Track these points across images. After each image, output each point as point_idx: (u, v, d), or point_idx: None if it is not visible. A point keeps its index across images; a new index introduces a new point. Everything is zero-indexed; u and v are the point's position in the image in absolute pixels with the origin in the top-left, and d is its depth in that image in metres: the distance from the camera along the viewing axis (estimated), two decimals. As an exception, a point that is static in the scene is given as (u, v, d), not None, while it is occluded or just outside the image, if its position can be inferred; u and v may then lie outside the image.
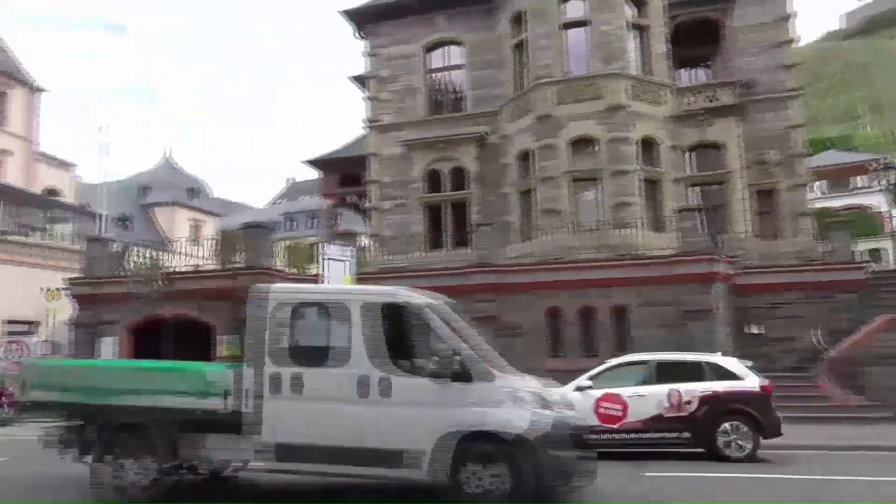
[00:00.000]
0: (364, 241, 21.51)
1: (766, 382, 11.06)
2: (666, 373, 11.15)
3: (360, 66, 24.38)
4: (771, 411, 10.81)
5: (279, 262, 18.69)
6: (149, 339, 18.13)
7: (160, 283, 17.07)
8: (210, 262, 19.78)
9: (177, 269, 17.99)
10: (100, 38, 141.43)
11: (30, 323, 25.89)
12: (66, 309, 19.30)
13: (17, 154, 38.84)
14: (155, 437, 7.86)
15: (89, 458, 8.18)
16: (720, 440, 10.54)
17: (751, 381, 10.97)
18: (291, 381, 7.54)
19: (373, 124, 23.47)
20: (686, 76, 24.11)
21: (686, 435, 10.73)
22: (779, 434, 10.78)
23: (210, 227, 52.64)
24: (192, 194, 64.13)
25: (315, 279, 16.42)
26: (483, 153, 21.87)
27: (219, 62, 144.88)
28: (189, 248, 19.95)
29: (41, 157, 41.25)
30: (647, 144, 20.11)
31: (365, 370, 7.41)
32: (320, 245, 17.29)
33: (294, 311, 7.91)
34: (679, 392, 10.73)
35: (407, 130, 22.75)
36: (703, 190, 21.72)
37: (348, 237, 18.43)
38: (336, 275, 16.32)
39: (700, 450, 10.81)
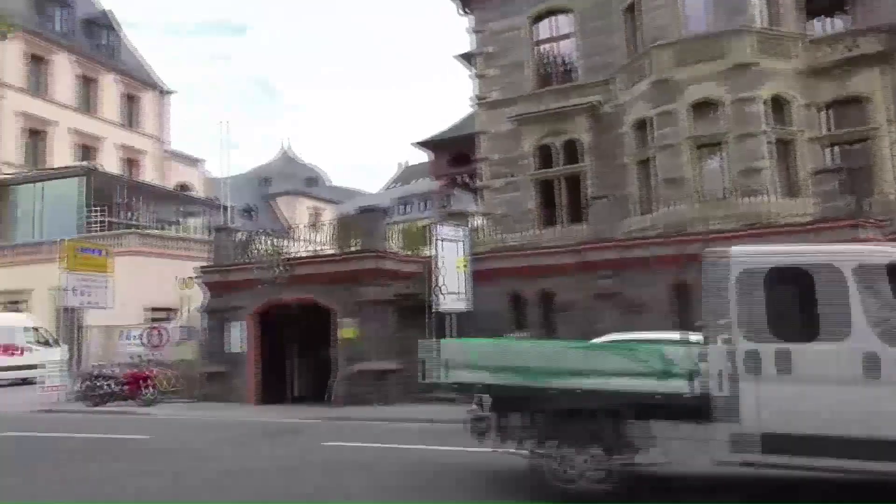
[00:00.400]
0: (477, 220, 21.28)
1: None
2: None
3: (466, 44, 24.06)
4: None
5: (394, 245, 18.83)
6: (272, 324, 18.85)
7: (282, 269, 17.58)
8: (328, 247, 20.22)
9: (297, 256, 18.47)
10: (222, 41, 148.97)
11: (169, 310, 27.50)
12: (199, 296, 20.33)
13: (151, 153, 41.55)
14: (602, 425, 7.00)
15: (509, 446, 7.47)
16: None
17: None
18: (776, 360, 6.45)
19: (481, 101, 23.12)
20: (819, 26, 22.06)
21: None
22: None
23: (328, 215, 54.24)
24: (310, 183, 66.51)
25: (428, 261, 16.38)
26: (596, 124, 21.03)
27: (327, 54, 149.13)
28: (308, 234, 20.44)
29: (172, 155, 43.94)
30: (778, 103, 18.58)
31: (871, 345, 6.23)
32: (433, 226, 17.23)
33: (767, 276, 6.70)
34: None
35: (516, 105, 22.24)
36: (844, 149, 19.81)
37: (461, 217, 18.26)
38: (449, 255, 16.19)
39: None
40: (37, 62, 35.40)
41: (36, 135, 35.11)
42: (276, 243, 18.60)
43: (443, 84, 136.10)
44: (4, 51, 32.38)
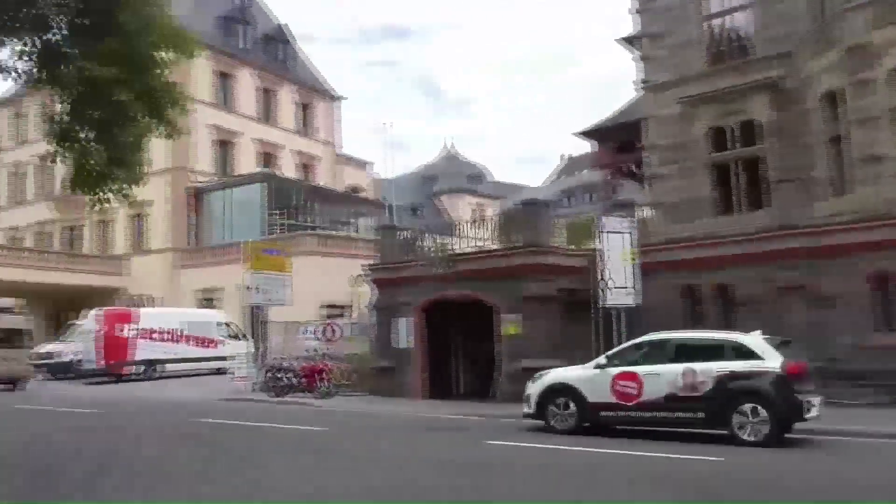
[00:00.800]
0: (644, 210, 20.24)
1: (791, 363, 10.28)
2: (684, 352, 11.01)
3: (629, 27, 22.95)
4: (790, 394, 10.06)
5: (559, 240, 18.37)
6: (438, 320, 19.08)
7: (446, 265, 17.73)
8: (491, 243, 20.17)
9: (460, 252, 18.55)
10: (387, 45, 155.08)
11: (342, 307, 28.89)
12: (368, 293, 21.09)
13: (324, 158, 43.95)
14: None
15: None
16: (735, 421, 10.18)
17: (772, 362, 10.28)
18: None
19: (646, 85, 21.91)
20: None
21: (700, 415, 10.53)
22: (800, 419, 10.16)
23: (491, 211, 54.57)
24: (472, 181, 67.34)
25: (593, 254, 15.77)
26: (777, 101, 19.13)
27: (488, 49, 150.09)
28: (471, 230, 20.49)
29: (343, 159, 46.23)
30: None
31: None
32: (597, 218, 16.58)
33: None
34: (694, 371, 10.54)
35: (685, 87, 20.79)
36: None
37: (627, 208, 17.46)
38: (615, 248, 15.48)
39: (722, 431, 10.34)
40: (224, 78, 38.63)
41: (224, 145, 38.34)
42: (440, 240, 18.80)
43: (606, 70, 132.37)
44: (196, 69, 35.58)
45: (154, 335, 24.67)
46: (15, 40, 11.45)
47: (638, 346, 11.80)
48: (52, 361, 26.14)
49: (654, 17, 21.95)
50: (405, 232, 20.54)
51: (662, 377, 10.85)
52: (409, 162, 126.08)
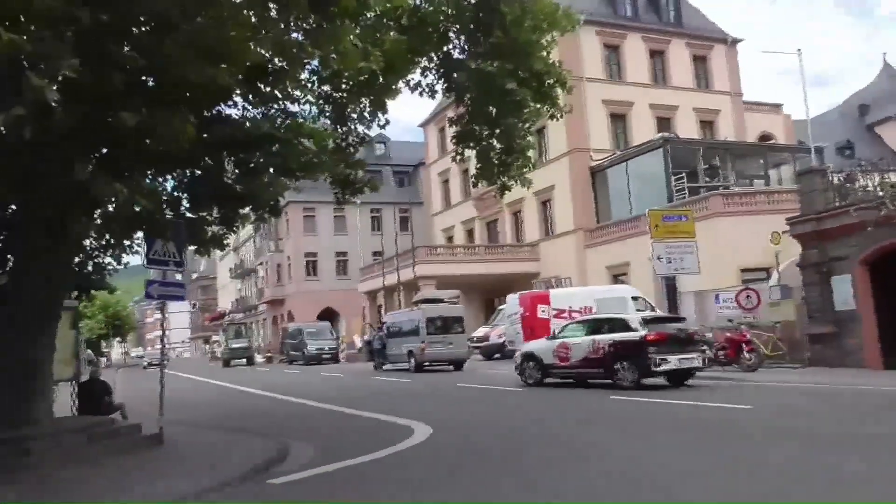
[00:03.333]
0: None
1: (649, 333, 13.94)
2: (598, 327, 15.36)
3: None
4: (645, 355, 13.70)
5: None
6: (889, 273, 15.45)
7: (892, 204, 14.17)
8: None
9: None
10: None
11: (763, 270, 25.85)
12: (792, 251, 18.21)
13: (725, 110, 40.24)
14: None
15: None
16: (617, 374, 14.29)
17: (638, 333, 14.04)
18: None
19: None
20: None
21: (601, 370, 14.76)
22: (650, 374, 13.91)
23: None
24: (922, 101, 55.05)
25: None
26: None
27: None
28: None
29: (748, 106, 41.76)
30: None
31: None
32: None
33: None
34: (597, 341, 14.78)
35: None
36: None
37: None
38: None
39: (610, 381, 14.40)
40: (611, 50, 38.05)
41: (618, 118, 37.72)
42: (883, 176, 15.17)
43: None
44: (585, 47, 35.73)
45: (569, 314, 25.15)
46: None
47: (575, 323, 16.76)
48: (485, 344, 28.72)
49: None
50: (836, 174, 17.09)
51: (581, 345, 15.12)
52: (833, 97, 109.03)
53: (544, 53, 12.47)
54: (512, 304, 25.86)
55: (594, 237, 34.55)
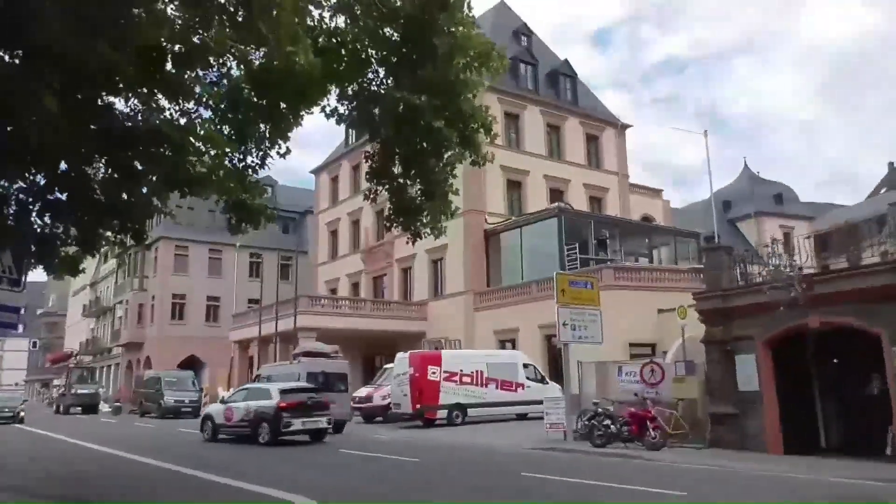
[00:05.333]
0: None
1: (282, 402, 17.80)
2: (251, 395, 19.19)
3: None
4: (278, 418, 17.62)
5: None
6: (789, 356, 15.47)
7: (799, 287, 14.18)
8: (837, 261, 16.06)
9: (818, 272, 14.84)
10: (664, 82, 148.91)
11: (648, 345, 26.02)
12: (692, 328, 18.03)
13: (613, 189, 41.56)
14: None
15: None
16: (259, 432, 17.98)
17: (274, 402, 17.94)
18: None
19: None
20: None
21: (249, 429, 18.35)
22: (281, 434, 17.75)
23: (802, 233, 47.32)
24: (776, 201, 60.03)
25: None
26: None
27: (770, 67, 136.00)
28: (808, 247, 16.47)
29: (633, 188, 43.42)
30: None
31: None
32: None
33: None
34: (248, 406, 18.59)
35: None
36: None
37: None
38: None
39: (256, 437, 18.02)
40: (511, 119, 38.46)
41: (514, 185, 37.85)
42: (788, 258, 15.27)
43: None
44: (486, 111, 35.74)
45: (459, 378, 23.91)
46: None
47: (237, 391, 21.67)
48: (368, 405, 26.66)
49: None
50: (738, 252, 17.17)
51: (239, 410, 18.82)
52: (696, 193, 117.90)
53: (471, 95, 11.59)
54: (401, 363, 24.21)
55: (484, 300, 33.85)
